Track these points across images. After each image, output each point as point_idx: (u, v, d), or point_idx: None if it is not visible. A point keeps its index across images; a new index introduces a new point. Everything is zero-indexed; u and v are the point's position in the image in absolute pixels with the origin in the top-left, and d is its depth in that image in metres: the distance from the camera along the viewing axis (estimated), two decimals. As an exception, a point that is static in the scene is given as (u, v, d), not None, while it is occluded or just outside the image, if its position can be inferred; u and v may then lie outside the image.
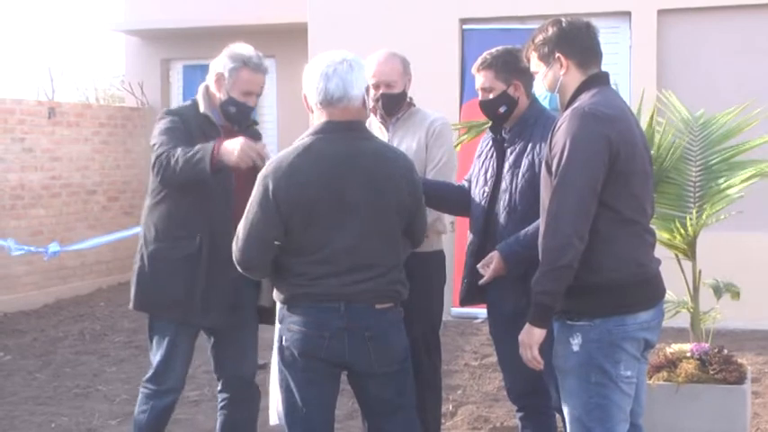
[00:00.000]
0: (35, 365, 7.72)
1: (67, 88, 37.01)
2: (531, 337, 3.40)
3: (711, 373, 4.95)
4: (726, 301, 5.36)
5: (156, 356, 4.52)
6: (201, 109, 4.51)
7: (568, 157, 3.31)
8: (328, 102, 3.71)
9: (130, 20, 13.17)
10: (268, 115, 12.89)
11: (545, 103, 3.75)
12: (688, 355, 5.07)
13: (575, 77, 3.54)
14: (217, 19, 12.26)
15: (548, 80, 3.61)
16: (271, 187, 3.64)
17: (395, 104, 4.94)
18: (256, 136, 4.63)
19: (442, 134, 4.92)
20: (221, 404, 4.71)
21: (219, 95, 4.48)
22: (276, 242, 3.72)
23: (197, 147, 4.14)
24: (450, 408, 6.29)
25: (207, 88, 4.58)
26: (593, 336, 3.37)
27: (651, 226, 3.60)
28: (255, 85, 4.52)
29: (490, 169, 4.33)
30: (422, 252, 4.48)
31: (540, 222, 3.50)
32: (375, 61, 4.90)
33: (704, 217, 5.08)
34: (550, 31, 3.59)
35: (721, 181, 5.19)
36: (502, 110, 4.27)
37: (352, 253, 3.70)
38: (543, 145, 3.80)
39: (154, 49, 13.06)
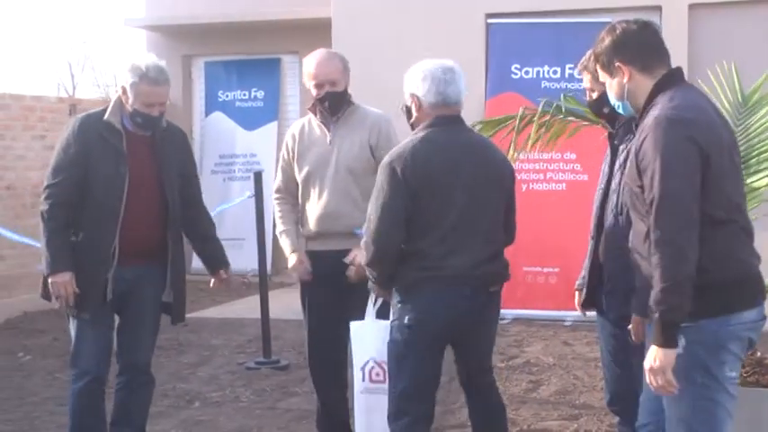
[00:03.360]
0: (55, 365, 7.74)
1: (88, 85, 37.23)
2: (665, 360, 3.29)
3: (744, 376, 4.91)
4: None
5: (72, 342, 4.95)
6: (106, 116, 4.80)
7: (663, 171, 3.27)
8: (445, 104, 4.28)
9: (151, 15, 13.20)
10: (291, 110, 12.90)
11: (619, 111, 3.73)
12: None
13: (641, 82, 3.52)
14: (238, 14, 12.26)
15: (614, 90, 3.60)
16: (398, 168, 4.13)
17: (339, 102, 5.08)
18: (177, 136, 5.07)
19: (389, 136, 5.06)
20: (116, 387, 5.04)
21: (128, 106, 4.80)
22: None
23: (51, 252, 4.73)
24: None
25: (120, 95, 4.86)
26: (696, 338, 3.34)
27: (749, 221, 3.56)
28: (155, 97, 4.79)
29: (605, 167, 4.33)
30: None
31: (634, 230, 3.51)
32: (314, 62, 5.07)
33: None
34: (606, 40, 3.58)
35: (754, 178, 5.12)
36: (606, 110, 4.23)
37: (471, 234, 4.19)
38: None
39: (175, 45, 13.08)
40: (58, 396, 6.81)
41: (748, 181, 5.14)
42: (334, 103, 5.06)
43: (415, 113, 4.34)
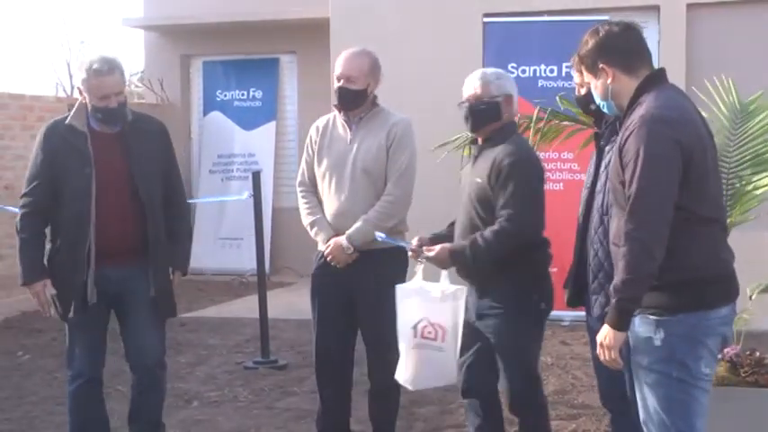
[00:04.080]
0: (54, 365, 7.73)
1: (87, 84, 36.97)
2: (615, 340, 3.46)
3: (743, 375, 4.91)
4: (757, 303, 5.31)
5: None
6: (68, 120, 4.82)
7: (643, 167, 3.36)
8: None
9: (149, 15, 13.19)
10: (289, 110, 12.90)
11: (604, 110, 3.82)
12: (719, 357, 5.02)
13: (625, 83, 3.59)
14: (236, 14, 12.26)
15: (598, 90, 3.69)
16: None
17: (350, 100, 5.05)
18: (151, 129, 4.99)
19: (404, 138, 5.04)
20: (130, 385, 5.11)
21: (88, 105, 4.81)
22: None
23: (23, 263, 4.83)
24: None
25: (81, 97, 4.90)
26: (676, 331, 3.43)
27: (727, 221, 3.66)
28: (106, 87, 4.73)
29: (592, 167, 4.33)
30: (384, 248, 4.94)
31: (612, 224, 3.61)
32: (341, 57, 5.06)
33: (733, 217, 5.03)
34: (590, 42, 3.66)
35: (753, 179, 5.13)
36: (593, 106, 4.21)
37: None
38: None
39: (173, 44, 13.07)
40: (57, 395, 6.80)
41: (745, 182, 5.15)
42: (344, 100, 5.04)
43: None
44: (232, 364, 7.74)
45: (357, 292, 5.06)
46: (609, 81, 3.61)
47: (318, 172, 5.15)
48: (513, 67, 9.14)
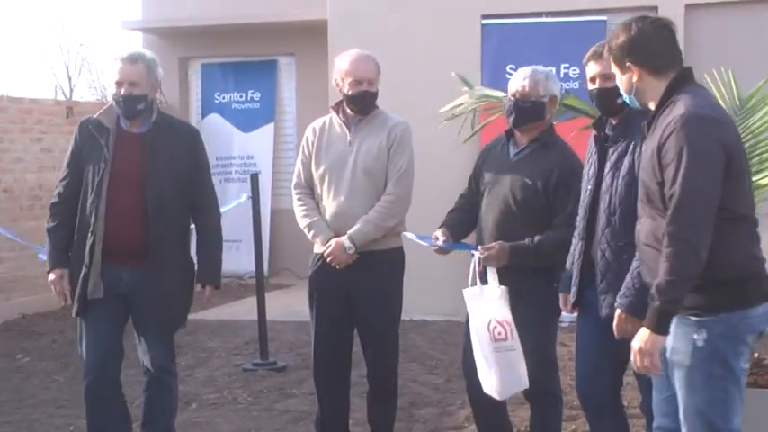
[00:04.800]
0: (54, 367, 7.73)
1: (85, 87, 37.14)
2: (655, 344, 3.41)
3: (742, 376, 4.89)
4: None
5: None
6: (97, 114, 4.88)
7: (688, 167, 3.34)
8: None
9: (148, 18, 13.17)
10: (288, 111, 12.89)
11: (627, 102, 3.77)
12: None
13: (652, 84, 3.57)
14: (234, 17, 12.24)
15: (623, 84, 3.66)
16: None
17: (371, 103, 5.10)
18: (178, 135, 4.98)
19: (404, 140, 5.08)
20: (143, 386, 5.07)
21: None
22: None
23: (47, 250, 4.90)
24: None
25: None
26: (718, 330, 3.43)
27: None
28: (123, 74, 4.79)
29: (592, 168, 4.30)
30: (382, 249, 5.00)
31: (642, 225, 3.57)
32: (350, 60, 5.08)
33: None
34: (620, 38, 3.61)
35: (754, 179, 5.11)
36: (620, 101, 4.10)
37: None
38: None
39: (171, 47, 13.05)
40: (57, 398, 6.80)
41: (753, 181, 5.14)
42: (366, 103, 5.07)
43: None
44: (231, 366, 7.73)
45: (355, 294, 5.06)
46: (634, 79, 3.59)
47: (317, 174, 5.14)
48: (511, 68, 9.11)
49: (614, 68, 3.69)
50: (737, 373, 3.50)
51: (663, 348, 3.50)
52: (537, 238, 4.58)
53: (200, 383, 7.17)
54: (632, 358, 3.48)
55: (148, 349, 4.93)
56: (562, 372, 7.12)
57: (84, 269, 4.74)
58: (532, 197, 4.62)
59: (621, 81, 3.66)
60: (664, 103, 3.53)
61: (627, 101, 3.74)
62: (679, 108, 3.44)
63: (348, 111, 5.10)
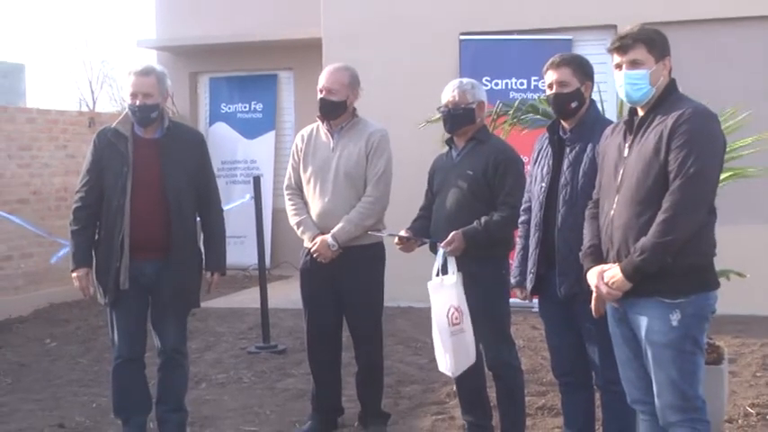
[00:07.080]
0: (78, 351, 7.72)
1: (106, 100, 37.04)
2: (621, 287, 3.49)
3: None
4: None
5: None
6: (114, 124, 4.86)
7: (703, 153, 3.37)
8: None
9: (161, 38, 13.14)
10: (287, 120, 12.87)
11: (632, 93, 3.59)
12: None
13: (666, 81, 3.61)
14: (239, 35, 12.23)
15: (653, 75, 3.56)
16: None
17: (330, 110, 5.09)
18: (189, 139, 4.98)
19: (381, 146, 5.09)
20: (157, 367, 5.04)
21: None
22: None
23: (72, 251, 4.86)
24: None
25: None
26: (689, 311, 3.48)
27: None
28: (136, 86, 4.77)
29: (546, 166, 4.27)
30: (363, 244, 5.00)
31: (628, 202, 3.51)
32: (326, 70, 5.13)
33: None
34: (661, 34, 3.64)
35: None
36: (573, 105, 4.16)
37: None
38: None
39: (182, 63, 13.02)
40: (81, 378, 6.79)
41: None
42: (325, 110, 5.10)
43: None
44: (237, 349, 7.72)
45: (341, 284, 5.07)
46: (664, 73, 3.59)
47: (304, 176, 5.15)
48: (486, 80, 9.14)
49: (645, 57, 3.57)
50: (702, 347, 3.57)
51: (633, 331, 3.59)
52: (483, 219, 4.63)
53: (209, 365, 7.16)
54: (596, 284, 3.57)
55: (165, 332, 4.92)
56: (534, 352, 7.18)
57: (115, 264, 4.72)
58: (475, 184, 4.68)
59: (651, 72, 3.56)
60: (666, 98, 3.56)
61: (642, 94, 3.58)
62: (683, 104, 3.49)
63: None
